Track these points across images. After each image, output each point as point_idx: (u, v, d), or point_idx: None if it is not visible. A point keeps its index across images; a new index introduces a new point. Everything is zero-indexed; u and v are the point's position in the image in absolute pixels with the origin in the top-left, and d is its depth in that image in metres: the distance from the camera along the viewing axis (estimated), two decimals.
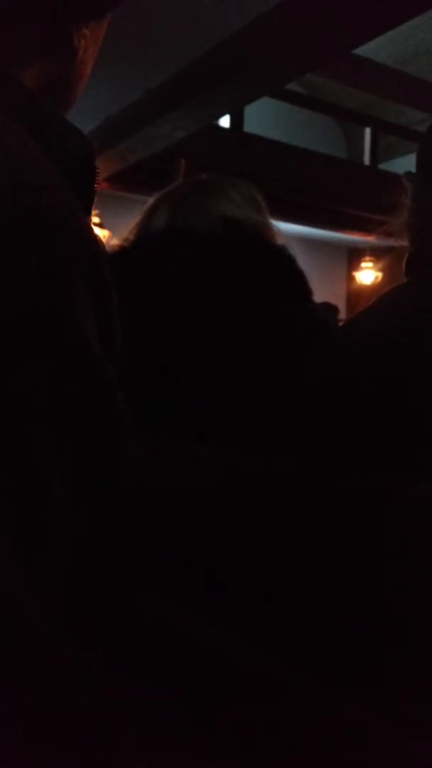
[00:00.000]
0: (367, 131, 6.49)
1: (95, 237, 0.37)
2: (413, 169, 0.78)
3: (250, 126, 5.58)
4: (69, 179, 0.36)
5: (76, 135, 0.45)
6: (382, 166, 6.44)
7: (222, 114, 4.61)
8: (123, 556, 0.35)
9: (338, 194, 5.82)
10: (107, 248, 0.89)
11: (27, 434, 0.28)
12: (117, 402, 0.35)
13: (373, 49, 4.38)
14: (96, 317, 0.34)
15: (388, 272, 6.92)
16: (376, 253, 7.20)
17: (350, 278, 8.11)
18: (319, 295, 0.84)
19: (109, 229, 4.66)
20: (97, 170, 0.47)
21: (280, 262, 0.82)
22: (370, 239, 6.74)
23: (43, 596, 0.27)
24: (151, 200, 0.98)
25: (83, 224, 0.36)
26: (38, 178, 0.33)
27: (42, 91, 0.47)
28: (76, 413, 0.31)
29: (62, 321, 0.31)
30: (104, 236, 4.22)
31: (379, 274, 7.21)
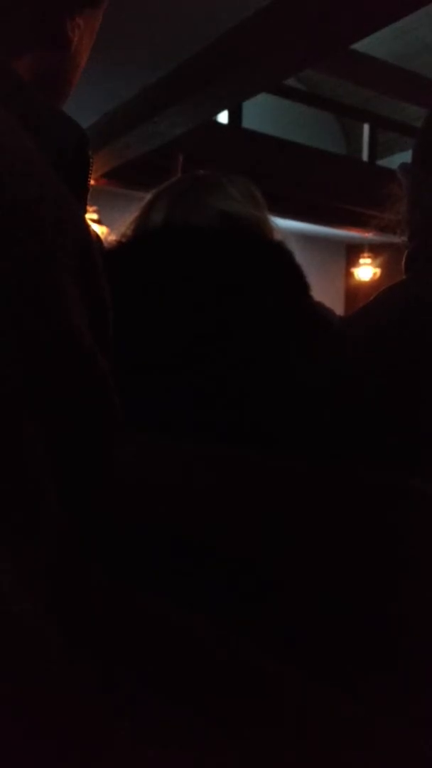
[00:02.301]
0: (366, 127, 6.48)
1: (86, 227, 0.37)
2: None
3: (249, 122, 5.57)
4: (62, 170, 0.36)
5: (69, 125, 0.44)
6: (381, 162, 6.43)
7: (220, 110, 4.60)
8: (115, 552, 0.35)
9: (336, 190, 5.81)
10: (105, 244, 0.89)
11: (16, 427, 0.28)
12: (109, 394, 0.34)
13: (371, 44, 4.37)
14: (87, 309, 0.34)
15: (387, 268, 6.93)
16: (375, 249, 7.20)
17: (348, 274, 8.11)
18: (318, 291, 0.84)
19: (107, 225, 4.65)
20: (91, 160, 0.46)
21: (277, 257, 0.82)
22: (368, 235, 6.74)
23: (33, 591, 0.27)
24: (149, 196, 0.98)
25: (73, 214, 0.35)
26: (26, 167, 0.33)
27: (35, 81, 0.46)
28: (67, 406, 0.31)
29: (51, 312, 0.31)
30: (102, 233, 4.21)
31: (378, 270, 7.21)
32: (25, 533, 0.27)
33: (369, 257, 7.26)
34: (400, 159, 0.73)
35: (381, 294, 0.76)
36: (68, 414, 0.31)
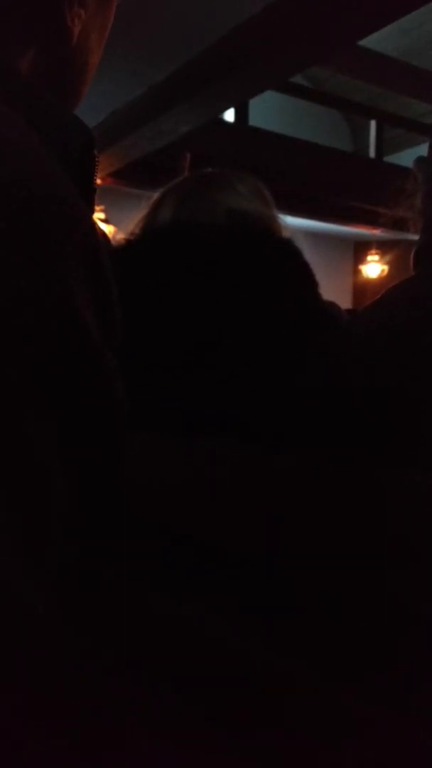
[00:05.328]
0: (372, 124, 6.46)
1: (94, 226, 0.37)
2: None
3: (255, 119, 5.57)
4: (68, 168, 0.36)
5: (74, 124, 0.44)
6: (388, 159, 6.41)
7: (227, 108, 4.59)
8: (123, 548, 0.35)
9: (344, 187, 5.80)
10: (113, 243, 0.89)
11: (24, 424, 0.28)
12: (117, 391, 0.34)
13: (378, 41, 4.35)
14: (96, 305, 0.34)
15: (395, 265, 6.91)
16: (383, 246, 7.18)
17: (356, 271, 8.09)
18: (326, 289, 0.84)
19: (114, 224, 4.66)
20: (97, 158, 0.46)
21: (286, 254, 0.82)
22: (376, 232, 6.72)
23: (43, 587, 0.27)
24: (156, 194, 0.98)
25: (82, 213, 0.35)
26: (35, 167, 0.33)
27: (40, 79, 0.46)
28: (75, 403, 0.31)
29: (59, 310, 0.31)
30: (110, 231, 4.21)
31: (386, 268, 7.19)
32: (36, 532, 0.28)
33: (377, 254, 7.24)
34: (407, 156, 0.74)
35: (387, 292, 0.75)
36: (76, 411, 0.31)
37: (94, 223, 0.37)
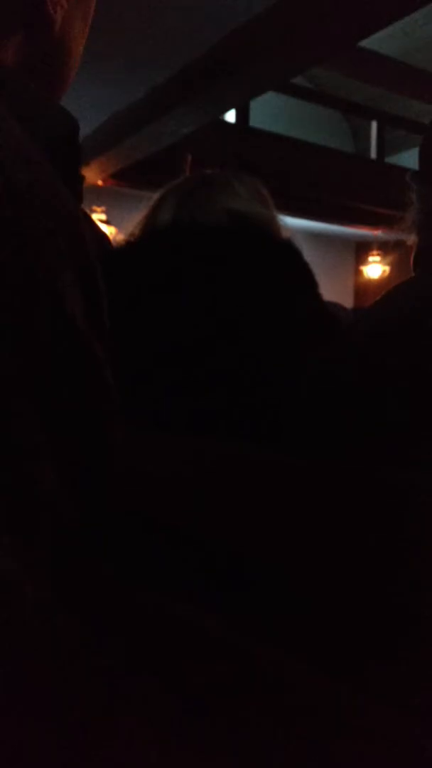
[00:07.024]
0: (374, 125, 6.46)
1: (79, 214, 0.36)
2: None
3: (256, 121, 5.57)
4: (53, 158, 0.36)
5: (58, 113, 0.44)
6: (389, 160, 6.41)
7: (228, 109, 4.60)
8: (115, 539, 0.34)
9: (345, 188, 5.80)
10: (114, 244, 0.89)
11: (10, 414, 0.28)
12: (105, 380, 0.34)
13: (379, 41, 4.35)
14: (82, 296, 0.33)
15: (396, 266, 6.91)
16: (384, 247, 7.18)
17: (358, 272, 8.09)
18: (327, 289, 0.84)
19: (115, 225, 4.66)
20: (81, 148, 0.46)
21: (285, 255, 0.82)
22: (377, 233, 6.73)
23: (35, 578, 0.27)
24: (156, 195, 0.98)
25: (65, 201, 0.35)
26: (17, 154, 0.33)
27: (24, 69, 0.46)
28: (62, 392, 0.31)
29: (44, 299, 0.30)
30: (111, 232, 4.22)
31: (387, 268, 7.19)
32: (26, 523, 0.27)
33: (378, 255, 7.24)
34: (408, 156, 0.75)
35: (389, 292, 0.76)
36: (63, 400, 0.31)
37: (81, 218, 0.37)
